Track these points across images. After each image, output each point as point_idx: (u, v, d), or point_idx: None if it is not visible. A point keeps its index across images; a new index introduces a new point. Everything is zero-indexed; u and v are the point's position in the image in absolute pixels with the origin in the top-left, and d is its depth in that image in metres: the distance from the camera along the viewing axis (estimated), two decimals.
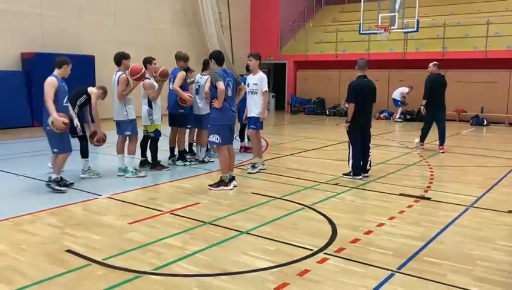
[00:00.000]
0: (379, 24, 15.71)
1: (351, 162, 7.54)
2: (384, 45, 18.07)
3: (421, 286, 3.63)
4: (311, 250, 4.32)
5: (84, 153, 7.15)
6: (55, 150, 6.25)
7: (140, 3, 17.37)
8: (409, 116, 17.69)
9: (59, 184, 6.29)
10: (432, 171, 8.11)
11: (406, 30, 15.71)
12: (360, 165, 7.50)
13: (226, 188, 6.51)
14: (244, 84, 7.49)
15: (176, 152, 8.27)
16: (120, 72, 7.06)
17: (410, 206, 5.89)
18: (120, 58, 7.11)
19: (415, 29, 15.24)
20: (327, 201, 6.12)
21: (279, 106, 22.62)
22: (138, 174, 7.23)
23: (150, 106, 7.50)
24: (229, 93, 6.29)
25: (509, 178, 7.68)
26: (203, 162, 8.37)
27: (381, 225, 5.14)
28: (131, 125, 7.16)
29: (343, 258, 4.16)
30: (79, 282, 3.59)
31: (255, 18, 22.47)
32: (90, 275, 3.72)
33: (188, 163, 8.11)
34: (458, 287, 3.59)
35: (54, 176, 6.28)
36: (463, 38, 17.67)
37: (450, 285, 3.63)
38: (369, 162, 7.66)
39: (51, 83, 5.99)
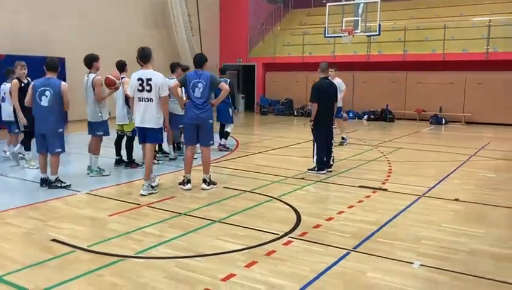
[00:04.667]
0: (343, 28, 16.39)
1: (315, 157, 8.07)
2: (348, 47, 18.80)
3: (372, 261, 4.15)
4: (278, 234, 4.80)
5: (28, 147, 8.12)
6: (59, 150, 6.57)
7: (111, 6, 17.51)
8: (372, 116, 18.48)
9: (60, 181, 6.64)
10: (390, 166, 8.75)
11: (369, 34, 16.47)
12: (323, 160, 8.04)
13: (181, 187, 6.71)
14: None
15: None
16: (93, 75, 7.36)
17: (368, 197, 6.46)
18: (90, 61, 7.39)
19: (377, 33, 16.00)
20: (293, 193, 6.63)
21: (249, 107, 23.12)
22: (102, 173, 7.50)
23: (128, 105, 7.76)
24: (196, 94, 6.59)
25: (459, 171, 8.38)
26: (173, 159, 8.79)
27: (341, 212, 5.67)
28: (104, 126, 7.47)
29: (306, 240, 4.66)
30: (67, 265, 3.94)
31: (225, 21, 22.91)
32: (77, 259, 4.09)
33: (156, 161, 8.44)
34: (403, 261, 4.14)
35: (54, 177, 6.61)
36: (422, 42, 18.61)
37: (396, 259, 4.18)
38: (332, 158, 8.23)
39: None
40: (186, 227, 4.99)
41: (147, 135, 6.39)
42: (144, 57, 6.32)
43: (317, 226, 5.12)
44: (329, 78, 8.32)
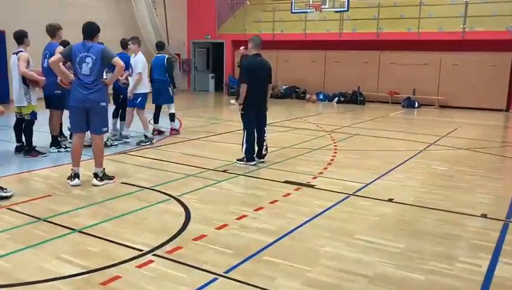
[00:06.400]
0: (310, 3, 15.23)
1: (244, 146, 7.05)
2: (321, 25, 17.66)
3: None
4: (141, 251, 3.79)
5: None
6: None
7: None
8: (342, 99, 17.45)
9: None
10: (334, 156, 7.76)
11: (337, 9, 15.33)
12: (254, 150, 7.03)
13: (68, 182, 5.63)
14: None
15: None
16: (23, 52, 6.77)
17: (286, 195, 5.46)
18: (23, 36, 6.89)
19: (345, 9, 14.87)
20: (201, 190, 5.61)
21: (218, 88, 21.98)
22: None
23: (26, 84, 6.80)
24: (83, 71, 5.47)
25: (409, 163, 7.41)
26: (88, 146, 7.71)
27: (241, 217, 4.67)
28: None
29: (172, 260, 3.64)
30: None
31: None
32: None
33: (63, 149, 7.38)
34: None
35: None
36: (398, 20, 17.47)
37: None
38: (265, 147, 7.21)
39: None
40: (30, 239, 3.96)
41: None
42: None
43: (201, 237, 4.12)
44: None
